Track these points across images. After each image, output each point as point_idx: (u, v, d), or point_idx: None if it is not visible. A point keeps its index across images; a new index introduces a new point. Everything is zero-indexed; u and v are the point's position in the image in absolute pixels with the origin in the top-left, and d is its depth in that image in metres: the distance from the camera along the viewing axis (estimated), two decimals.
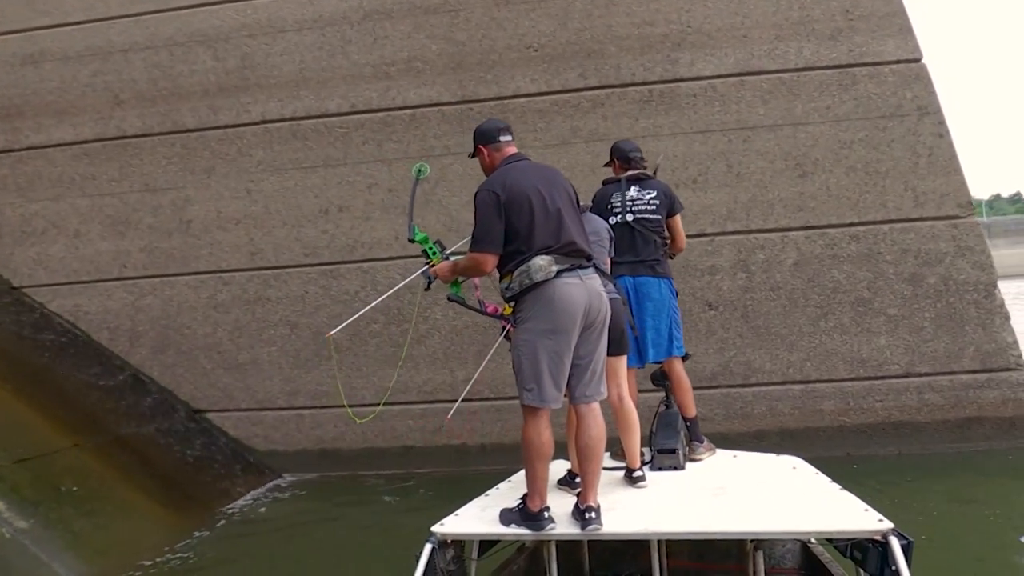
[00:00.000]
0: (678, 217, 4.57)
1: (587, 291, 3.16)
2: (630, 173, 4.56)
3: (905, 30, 7.77)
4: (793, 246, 7.80)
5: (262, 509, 7.20)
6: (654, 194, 4.48)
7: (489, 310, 3.62)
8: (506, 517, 3.20)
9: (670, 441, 3.96)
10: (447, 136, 8.31)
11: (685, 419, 4.31)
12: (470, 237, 3.27)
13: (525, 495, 3.17)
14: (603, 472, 3.37)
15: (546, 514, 3.12)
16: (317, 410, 8.45)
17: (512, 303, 3.24)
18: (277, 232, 8.54)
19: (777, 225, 7.81)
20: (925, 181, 7.70)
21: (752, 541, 3.21)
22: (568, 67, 8.17)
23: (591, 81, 8.15)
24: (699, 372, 7.78)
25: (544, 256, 3.11)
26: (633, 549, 3.63)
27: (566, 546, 3.45)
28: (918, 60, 7.77)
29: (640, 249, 4.36)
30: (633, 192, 4.46)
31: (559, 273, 3.10)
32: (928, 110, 7.71)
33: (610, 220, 4.32)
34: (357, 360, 8.36)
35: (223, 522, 6.78)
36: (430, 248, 3.53)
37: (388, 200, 8.33)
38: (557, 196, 3.26)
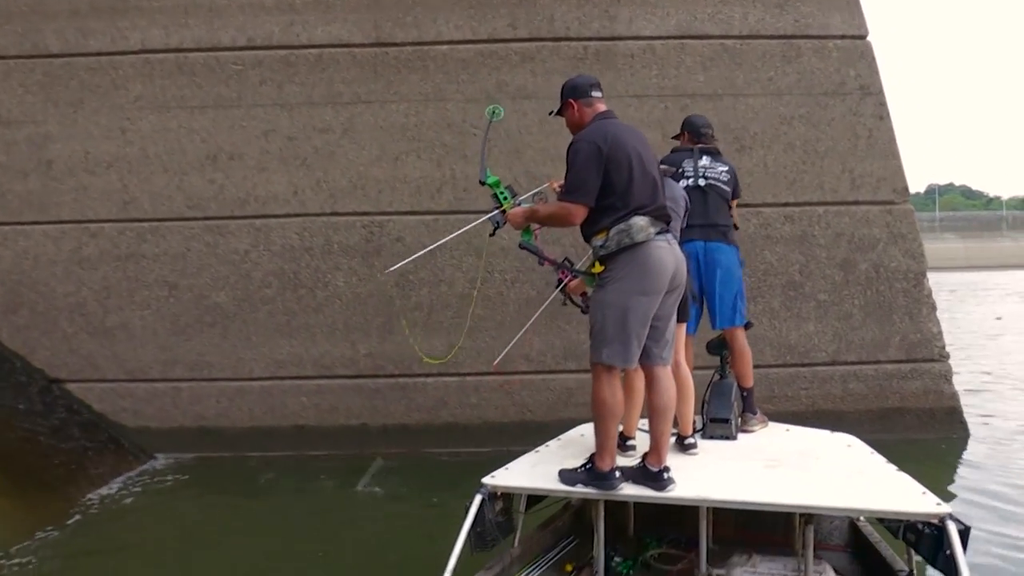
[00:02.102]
0: (736, 202, 4.64)
1: (675, 256, 3.22)
2: (702, 145, 4.59)
3: (852, 4, 7.40)
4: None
5: (129, 499, 6.20)
6: (726, 168, 4.54)
7: (550, 259, 3.51)
8: (571, 477, 3.23)
9: (723, 410, 4.00)
10: (357, 82, 7.41)
11: (742, 389, 4.34)
12: (540, 188, 3.40)
13: (592, 455, 3.21)
14: (643, 437, 3.52)
15: (617, 474, 3.18)
16: (197, 383, 7.50)
17: (603, 262, 3.18)
18: (156, 179, 7.45)
19: None
20: (863, 163, 7.40)
21: (803, 515, 3.21)
22: (497, 14, 7.39)
23: (521, 32, 7.41)
24: None
25: (642, 216, 3.13)
26: (678, 515, 3.65)
27: (611, 507, 3.44)
28: (863, 37, 7.41)
29: (713, 213, 4.38)
30: (705, 161, 4.50)
31: (654, 235, 3.14)
32: (871, 90, 7.39)
33: (681, 184, 4.28)
34: (245, 328, 7.44)
35: (79, 516, 5.72)
36: (501, 193, 3.45)
37: (287, 149, 7.37)
38: (649, 158, 3.27)
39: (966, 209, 66.18)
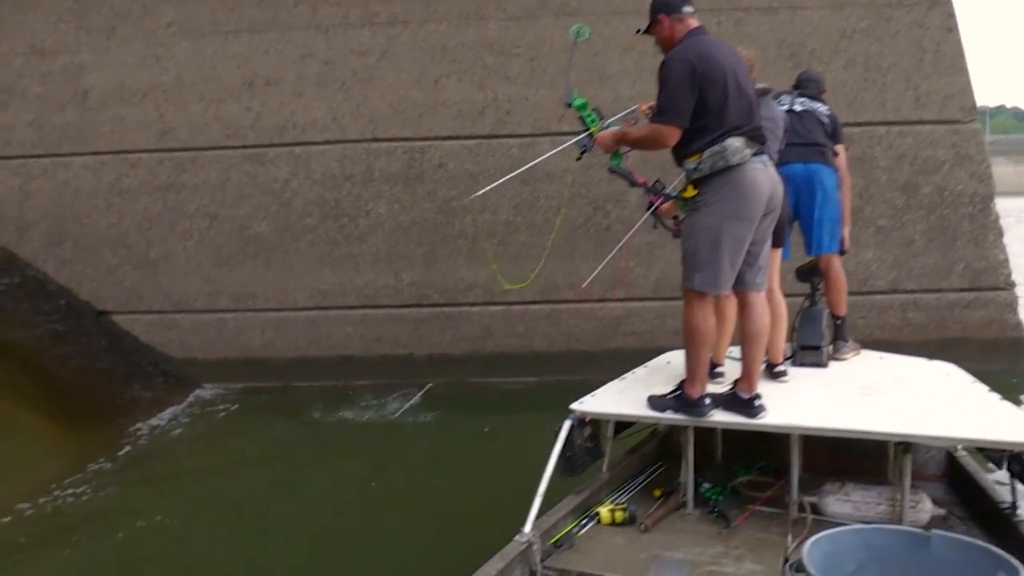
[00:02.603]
0: (843, 147, 4.38)
1: (771, 178, 3.13)
2: (801, 90, 4.42)
3: None
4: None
5: (178, 430, 6.25)
6: (826, 107, 4.33)
7: (640, 182, 3.38)
8: (659, 404, 3.23)
9: (814, 338, 3.92)
10: (395, 1, 7.11)
11: (835, 317, 4.22)
12: (629, 110, 3.29)
13: (682, 382, 3.18)
14: (732, 364, 3.54)
15: (707, 401, 3.16)
16: (242, 313, 7.47)
17: (696, 185, 3.06)
18: (192, 108, 7.30)
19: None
20: (929, 80, 6.98)
21: (900, 444, 3.07)
22: None
23: None
24: (672, 281, 7.02)
25: (738, 138, 3.00)
26: (767, 443, 3.55)
27: (699, 434, 3.42)
28: None
29: (812, 132, 4.17)
30: (804, 99, 4.31)
31: (750, 157, 3.03)
32: (939, 0, 6.91)
33: (779, 104, 4.09)
34: (288, 258, 7.36)
35: (129, 448, 5.77)
36: (588, 115, 3.31)
37: (324, 74, 7.15)
38: (744, 76, 3.13)
39: (1017, 132, 63.66)
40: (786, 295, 3.88)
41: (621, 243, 4.37)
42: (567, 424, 3.21)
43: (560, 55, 7.00)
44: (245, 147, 7.27)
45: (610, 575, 2.79)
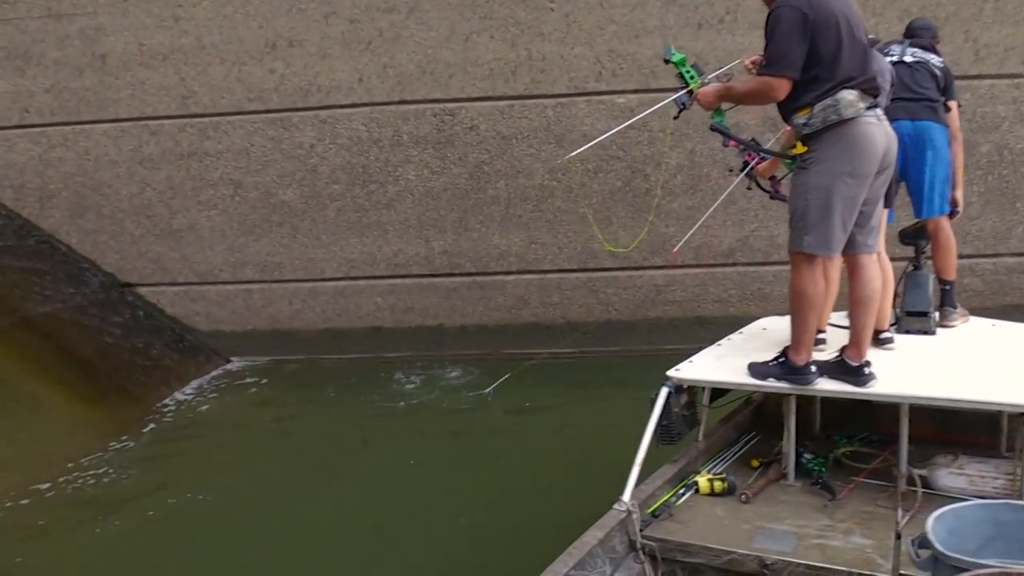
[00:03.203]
0: (955, 104, 4.18)
1: (886, 133, 3.00)
2: (913, 39, 4.26)
3: None
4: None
5: (205, 406, 6.08)
6: (939, 59, 4.17)
7: (732, 144, 3.30)
8: (760, 371, 3.15)
9: (921, 303, 3.81)
10: None
11: (943, 282, 4.13)
12: (729, 65, 3.23)
13: (786, 348, 3.10)
14: (834, 330, 3.49)
15: (812, 368, 3.06)
16: (268, 284, 7.28)
17: (806, 141, 2.94)
18: (213, 71, 7.02)
19: None
20: (989, 31, 6.55)
21: (1021, 414, 2.94)
22: None
23: None
24: (713, 247, 6.82)
25: (851, 90, 2.87)
26: (868, 412, 3.52)
27: (798, 403, 3.31)
28: None
29: (922, 86, 3.99)
30: (915, 49, 4.15)
31: (864, 111, 2.90)
32: None
33: (888, 55, 3.94)
34: (315, 227, 7.12)
35: (153, 425, 5.59)
36: (687, 71, 3.20)
37: (350, 33, 6.84)
38: (858, 23, 2.99)
39: None
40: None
41: (713, 207, 4.30)
42: (664, 391, 3.16)
43: (597, 10, 6.65)
44: (269, 111, 7.00)
45: (712, 546, 2.73)
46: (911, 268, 4.06)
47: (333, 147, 6.97)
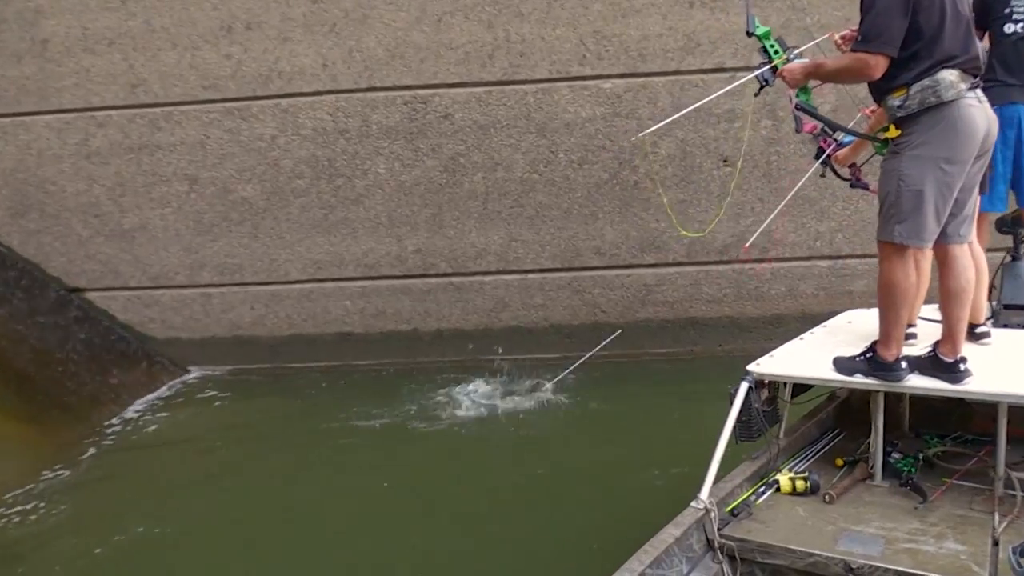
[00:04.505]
0: None
1: (987, 116, 2.83)
2: None
3: None
4: (831, 87, 6.21)
5: (153, 426, 5.49)
6: None
7: (807, 129, 3.18)
8: (847, 366, 3.04)
9: (1020, 295, 3.69)
10: None
11: None
12: (816, 41, 3.16)
13: (875, 343, 2.98)
14: (924, 325, 3.39)
15: (903, 364, 2.94)
16: (229, 288, 6.74)
17: (900, 124, 2.79)
18: (165, 57, 6.46)
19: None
20: None
21: None
22: None
23: None
24: (707, 243, 6.36)
25: (952, 70, 2.72)
26: (960, 410, 3.42)
27: (887, 399, 3.15)
28: None
29: None
30: None
31: (965, 92, 2.74)
32: None
33: (1005, 29, 3.72)
34: (278, 225, 6.59)
35: (93, 450, 4.96)
36: (772, 46, 3.09)
37: (312, 15, 6.30)
38: None
39: None
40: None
41: (790, 195, 4.10)
42: (744, 386, 3.06)
43: None
44: (225, 100, 6.45)
45: (795, 547, 2.61)
46: (1009, 259, 3.87)
47: (296, 139, 6.44)
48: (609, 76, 6.18)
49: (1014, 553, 2.07)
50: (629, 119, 6.19)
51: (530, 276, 6.48)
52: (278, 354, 6.75)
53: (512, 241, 6.44)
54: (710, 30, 6.07)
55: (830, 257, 6.37)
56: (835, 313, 6.24)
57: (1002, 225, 3.95)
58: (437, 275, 6.55)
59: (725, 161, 6.29)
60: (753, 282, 6.43)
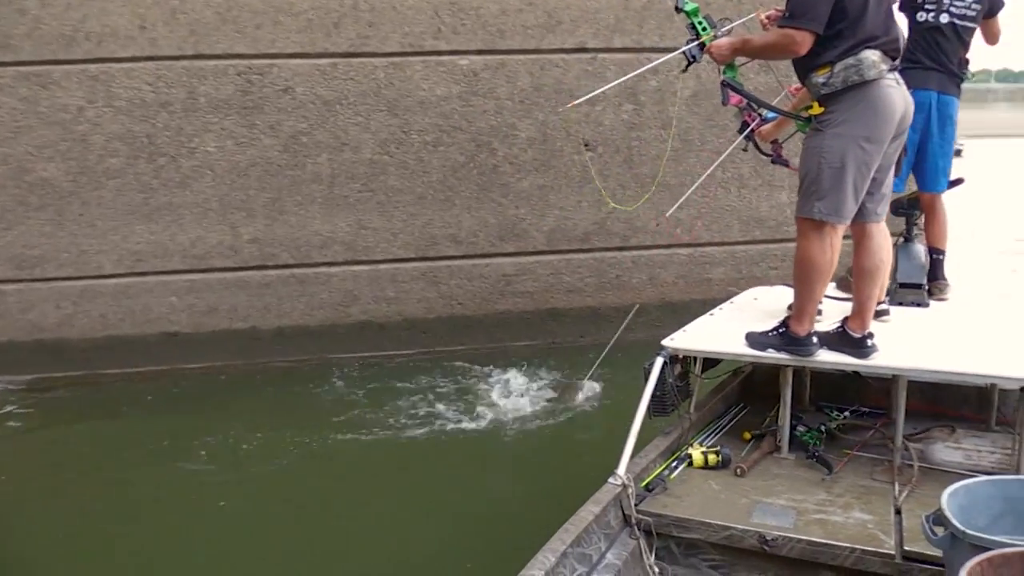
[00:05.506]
0: (999, 17, 4.05)
1: (904, 97, 2.93)
2: None
3: None
4: (692, 74, 6.12)
5: None
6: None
7: (733, 102, 3.23)
8: (759, 341, 3.10)
9: (915, 275, 3.85)
10: None
11: (935, 251, 4.09)
12: (744, 19, 3.27)
13: (787, 318, 3.08)
14: (829, 303, 3.51)
15: (814, 339, 3.02)
16: (27, 284, 5.81)
17: (823, 102, 2.87)
18: None
19: (677, 43, 6.09)
20: None
21: (1022, 389, 2.88)
22: None
23: None
24: (568, 231, 6.14)
25: (874, 50, 2.80)
26: (856, 385, 3.60)
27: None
28: None
29: (952, 58, 3.92)
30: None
31: (886, 72, 2.84)
32: None
33: (918, 17, 3.92)
34: (87, 211, 5.74)
35: None
36: (699, 22, 3.08)
37: None
38: None
39: None
40: None
41: (705, 175, 4.09)
42: (659, 361, 3.10)
43: None
44: (20, 64, 5.53)
45: (710, 521, 2.67)
46: (902, 240, 4.03)
47: (108, 111, 5.63)
48: (466, 52, 5.81)
49: (927, 521, 2.08)
50: (487, 99, 5.84)
51: (381, 267, 6.01)
52: (91, 360, 5.89)
53: (361, 229, 5.94)
54: (571, 7, 5.83)
55: (690, 245, 6.31)
56: (696, 301, 6.21)
57: (898, 207, 4.08)
58: (277, 267, 5.94)
59: (587, 146, 6.08)
60: (615, 270, 6.26)
